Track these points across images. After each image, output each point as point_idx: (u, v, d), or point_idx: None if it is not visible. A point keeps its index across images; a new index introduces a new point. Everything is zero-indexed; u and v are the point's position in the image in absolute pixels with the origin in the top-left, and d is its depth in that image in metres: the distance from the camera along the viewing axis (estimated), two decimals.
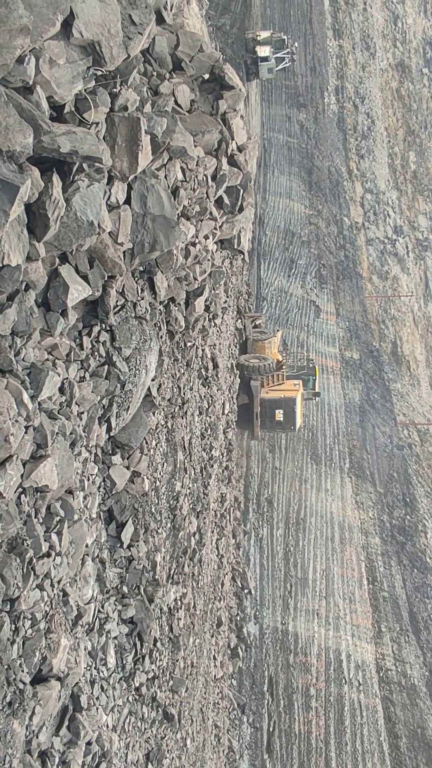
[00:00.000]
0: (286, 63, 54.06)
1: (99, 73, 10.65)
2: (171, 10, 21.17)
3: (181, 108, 18.72)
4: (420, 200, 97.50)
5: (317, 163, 78.84)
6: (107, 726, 12.54)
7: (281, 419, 38.52)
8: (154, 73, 17.60)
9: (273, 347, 40.17)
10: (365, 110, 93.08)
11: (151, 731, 15.51)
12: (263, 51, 51.35)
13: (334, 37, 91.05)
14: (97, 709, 12.01)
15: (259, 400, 37.88)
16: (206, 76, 20.87)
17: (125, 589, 13.82)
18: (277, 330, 46.16)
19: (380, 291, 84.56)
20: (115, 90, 11.66)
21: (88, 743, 11.44)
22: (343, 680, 39.19)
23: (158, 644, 16.01)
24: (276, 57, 52.54)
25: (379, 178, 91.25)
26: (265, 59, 51.70)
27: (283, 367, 39.89)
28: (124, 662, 13.53)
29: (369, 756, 36.81)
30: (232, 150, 21.44)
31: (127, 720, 13.78)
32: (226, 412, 31.40)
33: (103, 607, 12.80)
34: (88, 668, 11.96)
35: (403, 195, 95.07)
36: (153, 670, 15.41)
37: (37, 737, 9.83)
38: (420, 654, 45.48)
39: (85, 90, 10.45)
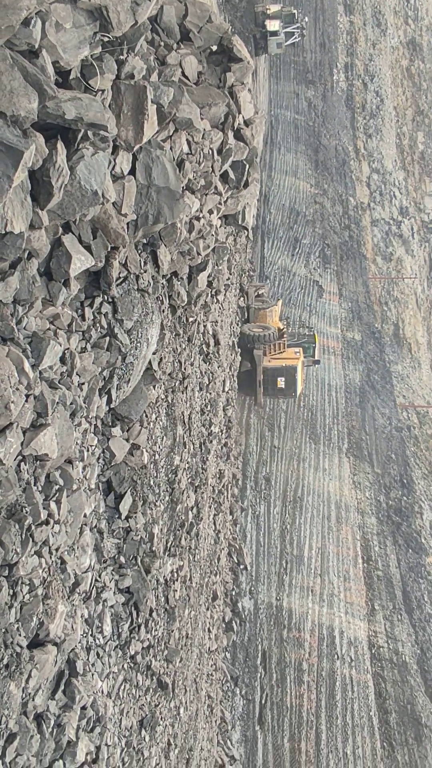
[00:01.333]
0: (295, 38, 53.27)
1: (106, 39, 10.51)
2: None
3: (188, 79, 18.49)
4: (427, 182, 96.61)
5: (324, 141, 78.02)
6: (102, 692, 12.75)
7: (283, 386, 39.79)
8: (162, 43, 17.37)
9: (274, 316, 41.36)
10: (374, 88, 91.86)
11: (145, 699, 15.78)
12: (273, 25, 50.55)
13: (344, 13, 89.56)
14: (92, 674, 12.21)
15: (262, 369, 39.03)
16: (214, 48, 20.58)
17: (122, 559, 13.97)
18: (278, 299, 47.01)
19: (384, 272, 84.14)
20: (121, 57, 11.52)
21: (83, 707, 11.65)
22: (336, 656, 39.73)
23: (154, 614, 16.21)
24: (285, 32, 51.74)
25: (386, 158, 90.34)
26: (274, 33, 50.91)
27: (284, 335, 40.80)
28: (120, 630, 13.72)
29: (359, 730, 37.46)
30: (239, 124, 21.22)
31: (122, 687, 14.00)
32: (226, 389, 31.45)
33: (100, 576, 12.95)
34: (85, 635, 12.14)
35: (410, 176, 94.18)
36: (148, 639, 15.63)
37: (33, 700, 10.01)
38: (412, 632, 46.05)
39: (91, 56, 10.32)
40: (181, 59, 17.49)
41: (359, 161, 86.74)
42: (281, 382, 39.86)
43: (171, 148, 15.22)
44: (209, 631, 26.75)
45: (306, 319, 60.36)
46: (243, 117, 21.57)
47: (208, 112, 18.73)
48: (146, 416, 15.83)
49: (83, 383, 12.01)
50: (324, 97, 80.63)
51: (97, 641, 12.64)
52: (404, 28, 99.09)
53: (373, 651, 42.69)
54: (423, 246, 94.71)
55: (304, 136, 73.99)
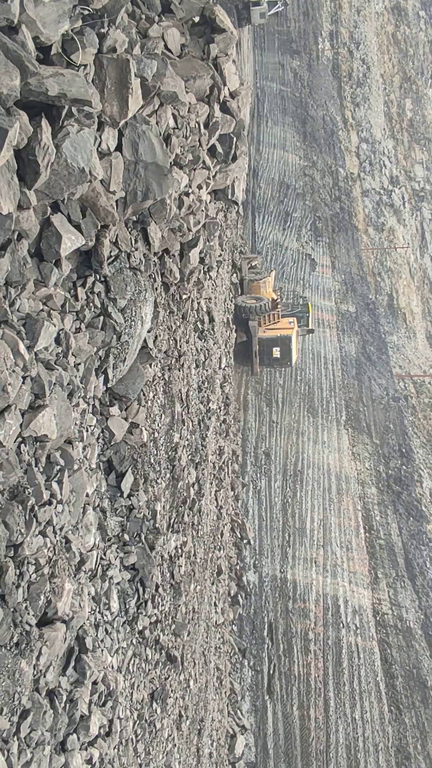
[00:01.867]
0: (278, 7, 52.37)
1: (86, 12, 10.36)
2: None
3: (172, 52, 18.24)
4: (416, 149, 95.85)
5: (312, 112, 77.14)
6: (112, 667, 12.93)
7: (278, 356, 40.72)
8: (143, 16, 17.09)
9: (268, 287, 41.69)
10: (360, 56, 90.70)
11: (155, 672, 16.00)
12: None
13: None
14: (102, 650, 12.38)
15: (257, 339, 39.55)
16: (196, 20, 20.30)
17: (126, 537, 14.09)
18: (272, 270, 47.30)
19: (376, 243, 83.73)
20: (102, 30, 11.36)
21: (94, 683, 11.83)
22: (341, 625, 40.24)
23: (160, 590, 16.39)
24: (268, 1, 50.86)
25: (374, 127, 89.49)
26: (257, 3, 50.06)
27: (278, 306, 41.33)
28: (127, 607, 13.87)
29: (366, 695, 38.07)
30: (225, 96, 20.99)
31: (132, 661, 14.20)
32: (222, 366, 31.44)
33: (105, 554, 13.06)
34: (92, 612, 12.28)
35: (399, 144, 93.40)
36: (155, 614, 15.82)
37: (45, 676, 10.16)
38: (415, 598, 46.60)
39: (72, 30, 10.18)
40: (163, 32, 17.24)
41: (348, 131, 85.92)
42: (276, 352, 40.54)
43: (157, 123, 15.08)
44: (215, 605, 27.04)
45: (300, 292, 60.18)
46: (228, 89, 21.34)
47: (193, 85, 18.52)
48: (144, 395, 15.86)
49: (79, 363, 12.02)
50: (310, 67, 79.60)
51: (105, 618, 12.79)
52: None
53: (378, 618, 43.23)
54: (414, 215, 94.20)
55: (291, 108, 73.16)
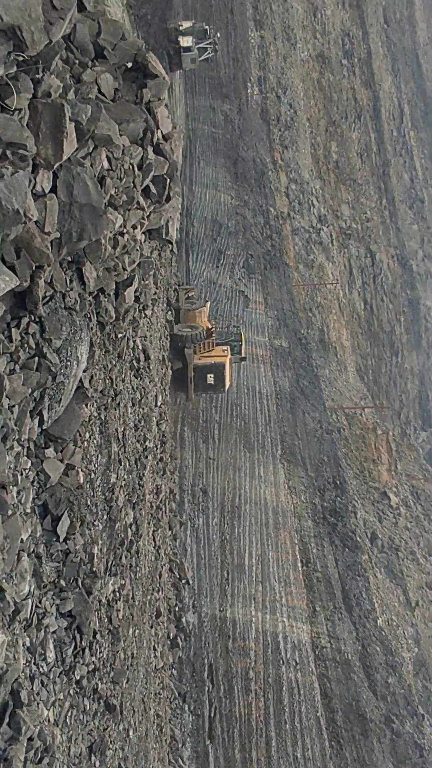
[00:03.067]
0: (208, 53, 53.98)
1: (21, 58, 10.42)
2: None
3: (105, 96, 18.47)
4: (342, 189, 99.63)
5: (242, 153, 79.29)
6: (49, 720, 12.45)
7: (212, 382, 42.42)
8: (77, 62, 17.30)
9: (203, 316, 44.04)
10: (288, 101, 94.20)
11: (94, 723, 15.48)
12: (186, 41, 51.10)
13: (255, 28, 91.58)
14: (38, 704, 11.91)
15: (193, 366, 41.57)
16: (129, 65, 20.65)
17: (63, 582, 13.71)
18: (206, 301, 49.47)
19: (307, 279, 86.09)
20: (37, 76, 11.44)
21: (30, 739, 11.33)
22: (281, 661, 40.04)
23: (98, 636, 15.96)
24: (198, 47, 52.38)
25: (302, 168, 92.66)
26: (187, 49, 51.46)
27: (213, 334, 43.44)
28: (64, 656, 13.43)
29: (307, 732, 37.82)
30: (158, 139, 21.34)
31: (69, 713, 13.70)
32: (158, 404, 31.37)
33: (40, 601, 12.66)
34: (28, 664, 11.83)
35: (326, 184, 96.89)
36: (93, 662, 15.37)
37: None
38: (353, 629, 46.95)
39: (6, 75, 10.21)
40: (97, 76, 17.47)
41: (277, 172, 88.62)
42: (211, 378, 42.22)
43: (91, 165, 15.17)
44: (155, 649, 26.50)
45: (234, 322, 60.96)
46: (161, 132, 21.71)
47: (127, 128, 18.77)
48: (80, 435, 15.63)
49: (14, 405, 11.78)
50: (240, 111, 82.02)
51: (40, 669, 12.34)
52: (313, 42, 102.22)
53: (317, 652, 43.27)
54: (342, 252, 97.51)
55: (223, 149, 75.00)
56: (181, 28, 51.58)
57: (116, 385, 19.62)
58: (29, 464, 12.74)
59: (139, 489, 22.63)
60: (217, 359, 42.53)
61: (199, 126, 72.04)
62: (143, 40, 39.32)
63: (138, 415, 23.64)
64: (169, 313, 40.07)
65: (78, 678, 14.23)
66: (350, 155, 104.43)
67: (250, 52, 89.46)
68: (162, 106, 21.61)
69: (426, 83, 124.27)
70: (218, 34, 56.11)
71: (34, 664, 12.18)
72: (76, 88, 15.43)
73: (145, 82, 20.75)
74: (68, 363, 13.80)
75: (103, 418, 17.92)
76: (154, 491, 28.35)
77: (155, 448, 29.18)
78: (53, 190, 12.91)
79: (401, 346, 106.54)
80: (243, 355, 48.53)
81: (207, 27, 53.65)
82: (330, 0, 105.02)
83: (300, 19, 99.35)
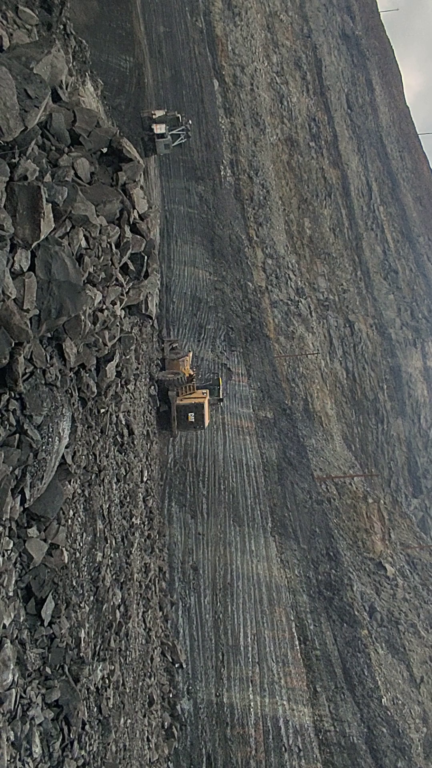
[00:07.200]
0: (181, 139, 56.47)
1: None
2: (66, 89, 21.80)
3: (82, 180, 19.04)
4: (318, 263, 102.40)
5: (218, 231, 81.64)
6: None
7: (193, 420, 47.12)
8: (53, 147, 17.91)
9: (186, 364, 50.17)
10: (260, 181, 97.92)
11: None
12: (159, 128, 53.54)
13: (225, 115, 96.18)
14: None
15: (176, 406, 46.39)
16: (104, 150, 21.42)
17: (48, 670, 13.05)
18: (189, 351, 56.07)
19: (288, 350, 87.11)
20: (14, 161, 11.77)
21: None
22: (283, 748, 37.99)
23: (87, 727, 15.09)
24: (172, 134, 54.83)
25: (278, 244, 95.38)
26: (161, 136, 53.84)
27: (194, 379, 49.20)
28: (51, 750, 12.63)
29: None
30: (134, 218, 21.90)
31: None
32: (144, 479, 30.95)
33: (25, 691, 12.00)
34: (12, 761, 11.09)
35: (301, 258, 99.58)
36: (83, 756, 14.46)
37: None
38: (357, 710, 44.90)
39: None
40: (73, 161, 18.05)
41: (253, 248, 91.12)
42: (191, 417, 46.83)
43: (69, 244, 15.46)
44: (148, 740, 25.10)
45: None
46: (138, 212, 22.30)
47: (104, 209, 19.26)
48: (63, 513, 15.26)
49: None
50: (214, 191, 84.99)
51: (26, 766, 11.57)
52: (281, 126, 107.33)
53: (320, 737, 41.20)
54: (321, 322, 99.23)
55: (199, 228, 77.21)
56: (154, 116, 54.11)
57: (100, 461, 19.35)
58: (11, 545, 12.36)
59: (127, 568, 21.98)
60: (197, 400, 47.41)
61: (175, 207, 74.37)
62: (118, 127, 41.06)
63: (123, 491, 23.24)
64: (152, 388, 40.45)
65: None
66: (323, 230, 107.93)
67: (222, 137, 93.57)
68: (137, 187, 22.30)
69: (391, 162, 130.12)
70: (190, 121, 58.82)
71: (20, 760, 11.43)
72: (53, 171, 15.90)
73: (120, 165, 21.47)
74: (50, 439, 13.62)
75: (87, 495, 17.57)
76: (143, 570, 27.56)
77: (142, 525, 28.57)
78: (32, 268, 13.08)
79: (386, 413, 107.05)
80: (221, 397, 53.94)
81: (179, 115, 56.26)
82: (295, 88, 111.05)
83: (267, 106, 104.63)
